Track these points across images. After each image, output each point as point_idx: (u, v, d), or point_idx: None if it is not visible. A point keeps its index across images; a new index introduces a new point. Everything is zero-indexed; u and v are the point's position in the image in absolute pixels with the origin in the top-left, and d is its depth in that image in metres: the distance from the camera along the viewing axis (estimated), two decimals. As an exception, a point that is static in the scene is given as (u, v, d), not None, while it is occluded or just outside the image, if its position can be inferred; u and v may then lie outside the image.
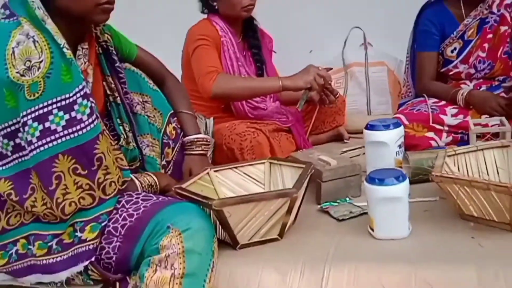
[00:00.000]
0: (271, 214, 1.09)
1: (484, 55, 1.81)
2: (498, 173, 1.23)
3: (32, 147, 1.02)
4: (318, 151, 1.54)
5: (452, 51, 1.86)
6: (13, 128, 1.04)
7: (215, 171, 1.34)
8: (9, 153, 1.06)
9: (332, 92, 1.82)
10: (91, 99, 1.07)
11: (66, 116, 1.03)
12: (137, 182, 1.19)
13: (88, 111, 1.05)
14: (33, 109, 1.01)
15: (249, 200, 1.08)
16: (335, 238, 1.12)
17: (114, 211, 1.07)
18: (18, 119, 1.02)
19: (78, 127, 1.04)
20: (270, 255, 1.09)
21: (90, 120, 1.05)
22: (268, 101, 1.96)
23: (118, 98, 1.31)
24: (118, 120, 1.31)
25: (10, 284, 1.15)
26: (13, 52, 1.00)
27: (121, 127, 1.31)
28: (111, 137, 1.21)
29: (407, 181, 1.08)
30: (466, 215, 1.11)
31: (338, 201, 1.33)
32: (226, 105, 1.86)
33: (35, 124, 1.01)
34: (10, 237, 1.09)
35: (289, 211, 1.11)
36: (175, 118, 1.42)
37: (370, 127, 1.46)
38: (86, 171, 1.04)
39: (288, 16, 2.51)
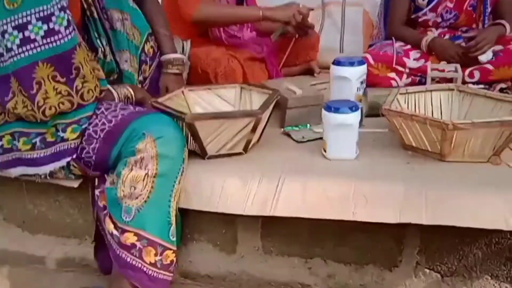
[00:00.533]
0: (237, 131, 1.23)
1: (451, 5, 1.91)
2: (441, 112, 1.39)
3: (12, 53, 1.09)
4: (288, 82, 1.65)
5: (423, 0, 1.96)
6: None
7: (189, 90, 1.45)
8: None
9: (309, 27, 1.91)
10: (68, 11, 1.13)
11: (45, 27, 1.09)
12: (114, 92, 1.28)
13: (65, 23, 1.11)
14: (12, 18, 1.07)
15: (219, 117, 1.21)
16: (292, 156, 1.28)
17: (94, 116, 1.17)
18: None
19: (56, 37, 1.10)
20: (234, 165, 1.23)
21: (67, 32, 1.12)
22: (245, 30, 2.02)
23: (95, 12, 1.36)
24: (95, 33, 1.37)
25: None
26: None
27: (98, 41, 1.37)
28: (88, 49, 1.27)
29: (358, 111, 1.22)
30: (407, 145, 1.27)
31: (299, 126, 1.47)
32: (203, 30, 1.92)
33: (15, 32, 1.08)
34: None
35: (253, 130, 1.24)
36: (153, 37, 1.49)
37: (337, 62, 1.56)
38: (65, 79, 1.12)
39: None
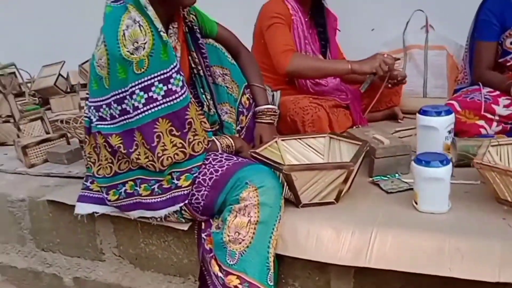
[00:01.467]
0: (330, 181, 1.31)
1: (542, 48, 1.87)
2: (537, 165, 1.37)
3: (139, 111, 1.26)
4: (373, 129, 1.70)
5: (511, 43, 1.92)
6: (121, 95, 1.27)
7: (282, 140, 1.56)
8: (117, 116, 1.30)
9: (395, 78, 1.97)
10: (181, 73, 1.29)
11: (165, 88, 1.26)
12: (217, 142, 1.43)
13: (180, 83, 1.28)
14: (140, 81, 1.24)
15: (314, 168, 1.30)
16: (383, 207, 1.32)
17: (203, 166, 1.32)
18: (126, 89, 1.25)
19: (173, 96, 1.27)
20: (327, 214, 1.31)
21: (182, 91, 1.28)
22: (329, 78, 2.13)
23: (201, 70, 1.53)
24: (201, 89, 1.55)
25: (118, 215, 1.44)
26: (124, 34, 1.23)
27: (203, 96, 1.55)
28: (196, 104, 1.44)
29: (450, 165, 1.24)
30: (501, 199, 1.27)
31: (388, 176, 1.52)
32: (290, 79, 2.05)
33: (142, 93, 1.25)
34: (120, 179, 1.37)
35: (345, 181, 1.32)
36: (248, 90, 1.64)
37: (423, 112, 1.59)
38: (179, 133, 1.28)
39: None
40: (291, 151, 1.56)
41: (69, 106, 3.08)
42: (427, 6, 2.48)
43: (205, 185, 1.29)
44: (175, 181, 1.30)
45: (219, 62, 1.60)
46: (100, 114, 1.33)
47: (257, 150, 1.41)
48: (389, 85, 2.03)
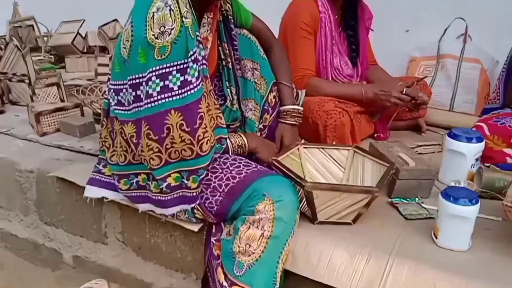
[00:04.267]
0: (351, 203, 1.26)
1: None
2: None
3: (152, 99, 1.17)
4: (397, 145, 1.64)
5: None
6: (138, 81, 1.19)
7: (304, 147, 1.51)
8: (130, 102, 1.23)
9: (418, 106, 1.88)
10: (198, 63, 1.20)
11: (181, 78, 1.17)
12: (228, 142, 1.36)
13: (196, 74, 1.19)
14: (158, 67, 1.16)
15: (337, 189, 1.25)
16: (401, 234, 1.28)
17: (220, 170, 1.27)
18: (144, 74, 1.17)
19: (188, 87, 1.18)
20: (342, 236, 1.26)
21: (197, 83, 1.19)
22: (355, 82, 2.04)
23: (230, 63, 1.46)
24: (227, 83, 1.48)
25: (128, 205, 1.41)
26: (153, 16, 1.15)
27: (228, 90, 1.48)
28: (215, 96, 1.35)
29: (478, 205, 1.19)
30: (526, 244, 1.22)
31: (408, 199, 1.46)
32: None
33: (158, 80, 1.17)
34: (133, 169, 1.32)
35: (367, 205, 1.27)
36: (276, 87, 1.57)
37: (453, 135, 1.54)
38: (189, 128, 1.19)
39: None
40: (312, 160, 1.51)
41: (84, 67, 3.02)
42: (467, 14, 2.37)
43: (221, 191, 1.25)
44: (185, 181, 1.25)
45: (251, 55, 1.53)
46: (119, 98, 1.27)
47: (278, 159, 1.36)
48: (406, 109, 1.94)
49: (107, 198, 1.43)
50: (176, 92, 1.18)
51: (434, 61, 2.41)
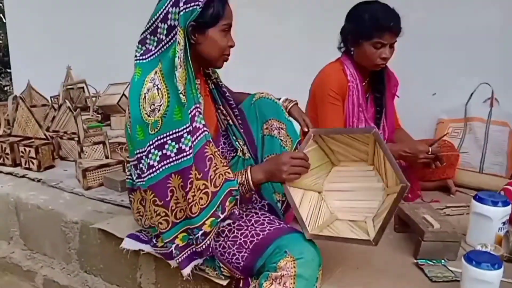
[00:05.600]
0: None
1: None
2: None
3: (154, 169, 1.29)
4: (423, 207, 1.67)
5: None
6: (139, 155, 1.31)
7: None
8: (135, 177, 1.37)
9: (440, 161, 1.89)
10: (190, 135, 1.28)
11: (177, 146, 1.28)
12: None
13: (190, 144, 1.29)
14: (154, 140, 1.28)
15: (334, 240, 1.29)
16: (426, 297, 1.30)
17: (245, 227, 1.35)
18: (144, 149, 1.29)
19: (182, 154, 1.28)
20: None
21: (189, 151, 1.29)
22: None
23: (231, 120, 1.59)
24: (233, 137, 1.61)
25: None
26: (145, 97, 1.29)
27: (237, 142, 1.60)
28: (221, 156, 1.39)
29: (501, 269, 1.20)
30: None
31: (433, 260, 1.48)
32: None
33: (156, 151, 1.28)
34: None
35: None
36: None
37: (479, 199, 1.56)
38: (182, 192, 1.28)
39: (417, 55, 2.50)
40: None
41: (128, 126, 3.24)
42: (494, 78, 2.41)
43: (246, 247, 1.32)
44: (197, 234, 1.31)
45: (277, 116, 1.64)
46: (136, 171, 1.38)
47: (305, 151, 1.37)
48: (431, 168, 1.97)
49: (143, 250, 1.52)
50: (174, 158, 1.28)
51: (462, 123, 2.42)
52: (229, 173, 1.35)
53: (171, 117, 1.28)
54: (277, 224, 1.36)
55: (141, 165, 1.32)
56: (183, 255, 1.36)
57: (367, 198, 1.41)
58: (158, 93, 1.28)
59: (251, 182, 1.36)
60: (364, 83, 2.02)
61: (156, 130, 1.27)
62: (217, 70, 1.56)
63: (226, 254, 1.34)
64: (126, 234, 1.58)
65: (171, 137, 1.28)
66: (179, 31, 1.28)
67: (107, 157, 2.34)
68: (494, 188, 1.94)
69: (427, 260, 1.48)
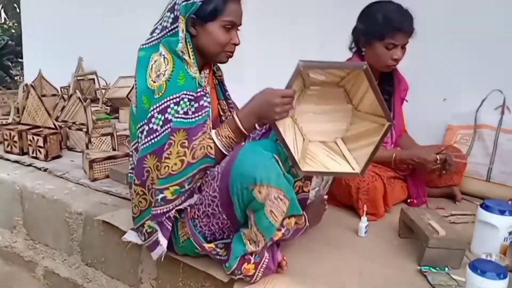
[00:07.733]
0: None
1: None
2: None
3: (157, 133, 1.30)
4: (429, 212, 1.66)
5: None
6: (144, 122, 1.31)
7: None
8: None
9: (450, 166, 1.90)
10: (193, 102, 1.33)
11: (178, 108, 1.30)
12: (217, 142, 1.35)
13: (193, 109, 1.33)
14: (158, 104, 1.30)
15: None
16: (428, 304, 1.29)
17: (204, 197, 1.33)
18: (148, 116, 1.30)
19: (177, 115, 1.29)
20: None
21: (194, 115, 1.32)
22: (389, 148, 2.09)
23: (228, 114, 1.60)
24: None
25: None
26: (152, 67, 1.34)
27: None
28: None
29: (507, 279, 1.19)
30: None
31: (437, 268, 1.47)
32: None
33: (159, 115, 1.30)
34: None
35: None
36: None
37: (485, 207, 1.54)
38: (188, 143, 1.30)
39: (430, 59, 2.49)
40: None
41: (136, 119, 3.25)
42: (506, 85, 2.39)
43: (215, 202, 1.32)
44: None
45: None
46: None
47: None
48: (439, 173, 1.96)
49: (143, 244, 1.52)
50: (174, 120, 1.30)
51: (471, 130, 2.40)
52: (211, 148, 1.33)
53: (175, 81, 1.32)
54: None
55: (145, 132, 1.32)
56: (151, 240, 1.37)
57: (336, 120, 1.45)
58: (164, 61, 1.35)
59: (243, 129, 1.34)
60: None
61: (160, 93, 1.31)
62: (227, 69, 1.58)
63: (210, 225, 1.34)
64: (129, 227, 1.57)
65: (174, 101, 1.31)
66: (181, 19, 1.35)
67: (114, 149, 2.34)
68: (501, 197, 1.91)
69: (430, 267, 1.47)
